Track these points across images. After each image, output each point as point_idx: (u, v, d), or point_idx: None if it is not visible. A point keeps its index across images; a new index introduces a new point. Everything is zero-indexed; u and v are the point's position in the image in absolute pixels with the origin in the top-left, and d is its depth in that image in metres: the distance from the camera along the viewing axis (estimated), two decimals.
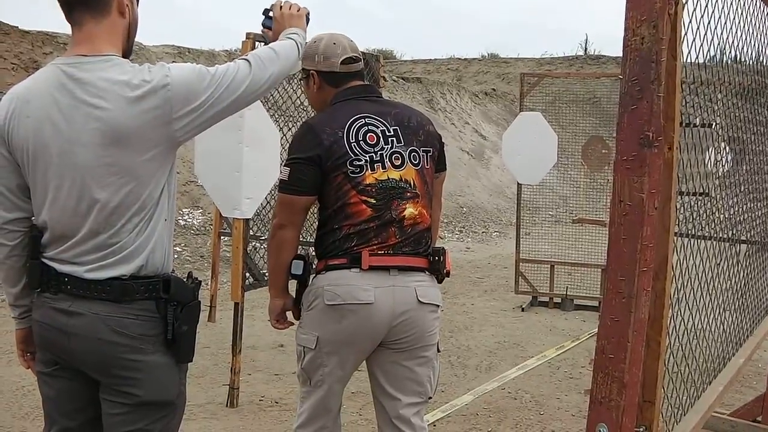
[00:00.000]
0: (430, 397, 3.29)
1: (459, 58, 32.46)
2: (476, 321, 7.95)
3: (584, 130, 10.53)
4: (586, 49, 31.64)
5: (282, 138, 5.30)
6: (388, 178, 3.09)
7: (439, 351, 3.28)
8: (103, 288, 2.33)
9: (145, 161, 2.33)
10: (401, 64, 32.07)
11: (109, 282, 2.33)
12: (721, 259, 2.93)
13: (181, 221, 11.03)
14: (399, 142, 3.14)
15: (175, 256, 9.97)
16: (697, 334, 2.64)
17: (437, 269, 3.20)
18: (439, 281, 3.25)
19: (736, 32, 2.79)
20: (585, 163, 11.45)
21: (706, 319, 2.77)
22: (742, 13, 2.84)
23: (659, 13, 1.79)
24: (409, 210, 3.12)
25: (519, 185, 9.01)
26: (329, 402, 3.20)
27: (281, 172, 3.17)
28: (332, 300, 3.04)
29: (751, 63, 3.09)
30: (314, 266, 3.19)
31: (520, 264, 8.96)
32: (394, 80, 19.89)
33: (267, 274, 3.57)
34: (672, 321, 2.26)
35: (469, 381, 5.98)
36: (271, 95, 5.56)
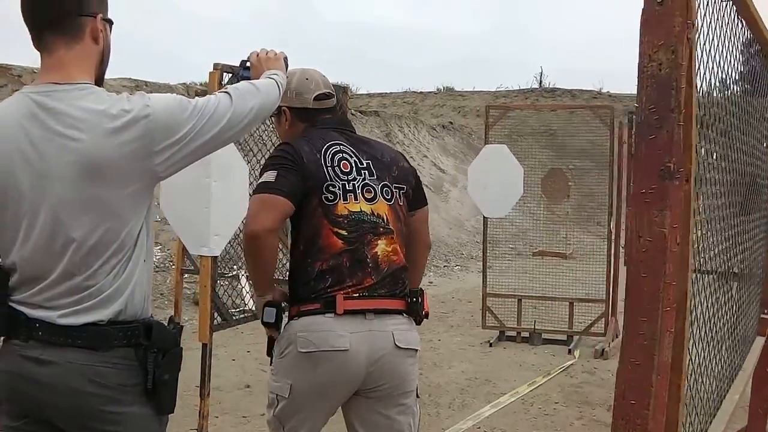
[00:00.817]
0: None
1: (414, 92, 32.54)
2: (444, 357, 7.82)
3: (541, 162, 10.53)
4: (541, 81, 31.85)
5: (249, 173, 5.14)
6: (360, 210, 3.00)
7: (417, 396, 3.16)
8: (79, 334, 2.17)
9: (125, 197, 2.18)
10: (357, 98, 32.00)
11: (85, 328, 2.17)
12: (719, 294, 2.84)
13: None
14: (371, 175, 3.06)
15: None
16: (702, 371, 2.55)
17: (416, 311, 3.09)
18: (417, 323, 3.14)
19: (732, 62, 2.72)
20: (545, 195, 11.43)
21: (708, 356, 2.67)
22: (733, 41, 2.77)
23: (678, 37, 1.69)
24: (382, 247, 3.02)
25: (485, 219, 8.93)
26: None
27: (261, 176, 3.00)
28: (306, 347, 2.92)
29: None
30: (286, 312, 3.08)
31: (487, 298, 8.84)
32: (352, 113, 19.78)
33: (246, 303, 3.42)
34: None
35: (442, 420, 5.84)
36: None
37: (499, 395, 6.55)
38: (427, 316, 3.14)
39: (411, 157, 20.10)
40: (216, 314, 4.87)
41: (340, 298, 2.92)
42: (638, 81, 1.74)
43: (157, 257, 10.73)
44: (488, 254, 9.07)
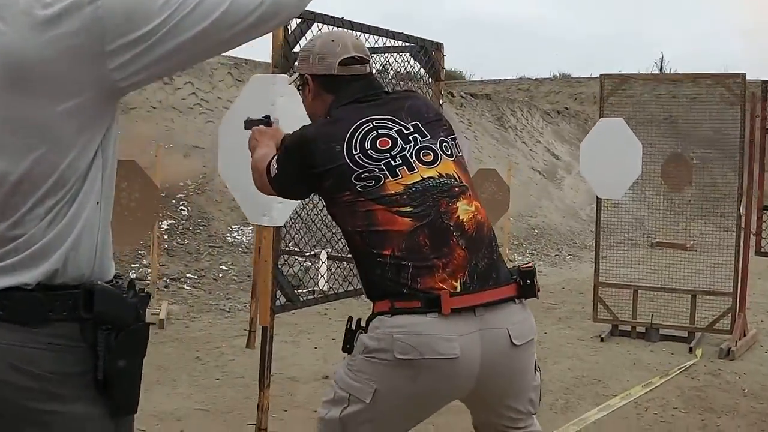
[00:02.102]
0: (534, 413, 2.86)
1: (530, 78, 31.49)
2: (550, 352, 7.01)
3: (661, 150, 9.72)
4: (661, 68, 30.44)
5: None
6: (423, 178, 2.57)
7: (537, 370, 2.75)
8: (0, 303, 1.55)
9: (63, 114, 1.53)
10: (470, 84, 31.22)
11: (8, 294, 1.54)
12: None
13: (229, 238, 10.33)
14: (424, 136, 2.66)
15: (220, 275, 9.29)
16: None
17: (530, 293, 2.62)
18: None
19: None
20: (665, 182, 10.58)
21: None
22: None
23: None
24: (463, 207, 2.58)
25: (598, 201, 8.10)
26: None
27: (271, 163, 2.77)
28: (406, 353, 2.43)
29: None
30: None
31: (599, 289, 8.01)
32: (462, 96, 19.07)
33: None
34: None
35: (542, 423, 5.03)
36: None
37: (609, 397, 5.75)
38: (538, 292, 2.66)
39: (523, 142, 19.36)
40: (279, 293, 4.26)
41: (445, 295, 2.43)
42: None
43: (248, 238, 10.27)
44: (603, 244, 8.23)
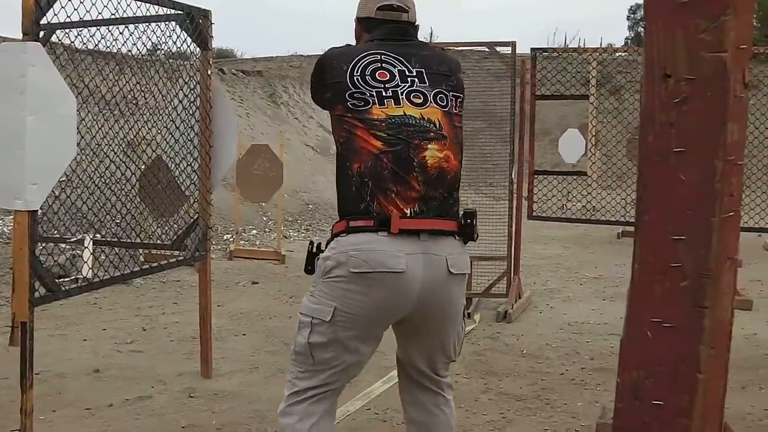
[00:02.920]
0: (454, 360, 3.13)
1: (302, 55, 31.37)
2: None
3: None
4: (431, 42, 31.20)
5: (80, 108, 4.15)
6: (405, 114, 2.85)
7: (467, 316, 3.04)
8: None
9: None
10: (242, 62, 30.74)
11: None
12: None
13: None
14: (422, 82, 2.93)
15: None
16: None
17: (468, 234, 2.93)
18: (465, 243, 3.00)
19: None
20: None
21: None
22: None
23: None
24: (432, 151, 2.85)
25: None
26: (338, 380, 2.92)
27: None
28: (358, 267, 2.73)
29: None
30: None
31: None
32: (234, 74, 18.69)
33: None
34: None
35: None
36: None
37: (392, 368, 5.66)
38: (476, 238, 2.98)
39: (296, 118, 19.30)
40: (38, 284, 3.89)
41: (395, 216, 2.75)
42: None
43: (10, 228, 9.57)
44: None
